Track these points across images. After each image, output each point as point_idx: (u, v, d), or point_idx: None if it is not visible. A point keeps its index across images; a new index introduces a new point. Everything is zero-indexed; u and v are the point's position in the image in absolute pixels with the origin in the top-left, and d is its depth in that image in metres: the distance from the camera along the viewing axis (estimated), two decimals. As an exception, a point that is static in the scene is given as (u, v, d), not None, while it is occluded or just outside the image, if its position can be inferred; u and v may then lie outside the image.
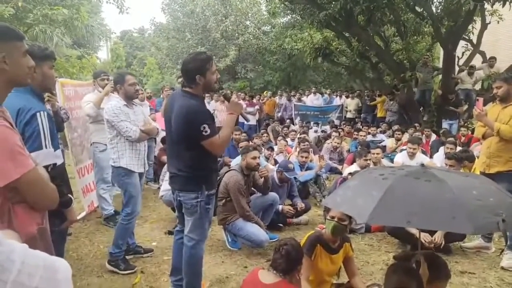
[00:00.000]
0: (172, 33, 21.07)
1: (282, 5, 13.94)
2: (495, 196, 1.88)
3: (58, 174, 1.91)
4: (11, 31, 1.48)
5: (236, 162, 5.15)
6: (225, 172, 4.26)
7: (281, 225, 4.78)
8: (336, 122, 12.03)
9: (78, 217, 4.32)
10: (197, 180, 2.64)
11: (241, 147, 5.47)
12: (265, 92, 15.17)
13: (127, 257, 3.64)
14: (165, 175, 4.49)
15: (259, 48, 19.83)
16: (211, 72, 2.62)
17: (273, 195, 4.53)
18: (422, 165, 2.15)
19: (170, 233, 4.34)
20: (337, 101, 13.46)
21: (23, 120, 1.90)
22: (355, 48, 11.92)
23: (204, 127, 2.49)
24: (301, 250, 2.42)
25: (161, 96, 6.15)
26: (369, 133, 9.08)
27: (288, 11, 14.81)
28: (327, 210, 2.92)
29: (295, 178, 5.22)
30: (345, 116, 12.71)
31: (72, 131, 4.85)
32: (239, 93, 13.67)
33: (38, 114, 2.01)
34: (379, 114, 11.94)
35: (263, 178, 4.38)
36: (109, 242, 3.78)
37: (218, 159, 3.82)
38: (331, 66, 18.15)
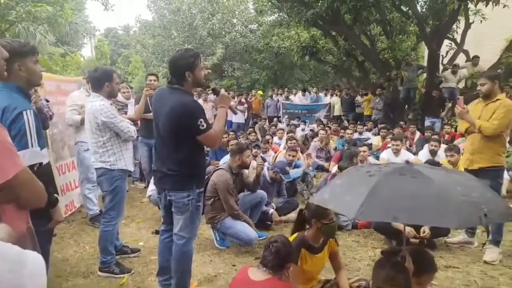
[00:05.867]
0: (158, 31, 20.86)
1: (269, 3, 13.97)
2: (478, 192, 1.92)
3: (44, 173, 1.88)
4: None
5: (224, 161, 5.14)
6: (213, 171, 4.25)
7: (269, 223, 4.78)
8: (324, 120, 12.09)
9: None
10: (188, 178, 2.64)
11: (231, 145, 5.46)
12: (253, 91, 15.12)
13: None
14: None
15: (246, 46, 19.78)
16: (200, 68, 2.63)
17: (261, 192, 4.53)
18: (407, 162, 2.18)
19: (157, 232, 4.29)
20: (324, 99, 13.52)
21: (8, 119, 1.85)
22: (342, 47, 12.03)
23: (201, 121, 2.51)
24: (291, 247, 2.43)
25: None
26: (355, 131, 9.17)
27: (275, 9, 14.81)
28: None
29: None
30: (332, 115, 12.78)
31: (52, 127, 4.64)
32: (229, 92, 13.62)
33: (24, 112, 1.96)
34: (366, 112, 12.05)
35: (255, 174, 4.37)
36: (94, 242, 3.72)
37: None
38: (318, 65, 18.26)
